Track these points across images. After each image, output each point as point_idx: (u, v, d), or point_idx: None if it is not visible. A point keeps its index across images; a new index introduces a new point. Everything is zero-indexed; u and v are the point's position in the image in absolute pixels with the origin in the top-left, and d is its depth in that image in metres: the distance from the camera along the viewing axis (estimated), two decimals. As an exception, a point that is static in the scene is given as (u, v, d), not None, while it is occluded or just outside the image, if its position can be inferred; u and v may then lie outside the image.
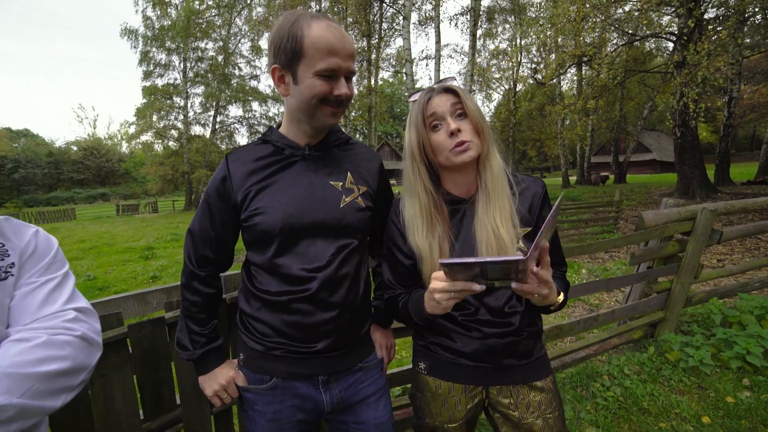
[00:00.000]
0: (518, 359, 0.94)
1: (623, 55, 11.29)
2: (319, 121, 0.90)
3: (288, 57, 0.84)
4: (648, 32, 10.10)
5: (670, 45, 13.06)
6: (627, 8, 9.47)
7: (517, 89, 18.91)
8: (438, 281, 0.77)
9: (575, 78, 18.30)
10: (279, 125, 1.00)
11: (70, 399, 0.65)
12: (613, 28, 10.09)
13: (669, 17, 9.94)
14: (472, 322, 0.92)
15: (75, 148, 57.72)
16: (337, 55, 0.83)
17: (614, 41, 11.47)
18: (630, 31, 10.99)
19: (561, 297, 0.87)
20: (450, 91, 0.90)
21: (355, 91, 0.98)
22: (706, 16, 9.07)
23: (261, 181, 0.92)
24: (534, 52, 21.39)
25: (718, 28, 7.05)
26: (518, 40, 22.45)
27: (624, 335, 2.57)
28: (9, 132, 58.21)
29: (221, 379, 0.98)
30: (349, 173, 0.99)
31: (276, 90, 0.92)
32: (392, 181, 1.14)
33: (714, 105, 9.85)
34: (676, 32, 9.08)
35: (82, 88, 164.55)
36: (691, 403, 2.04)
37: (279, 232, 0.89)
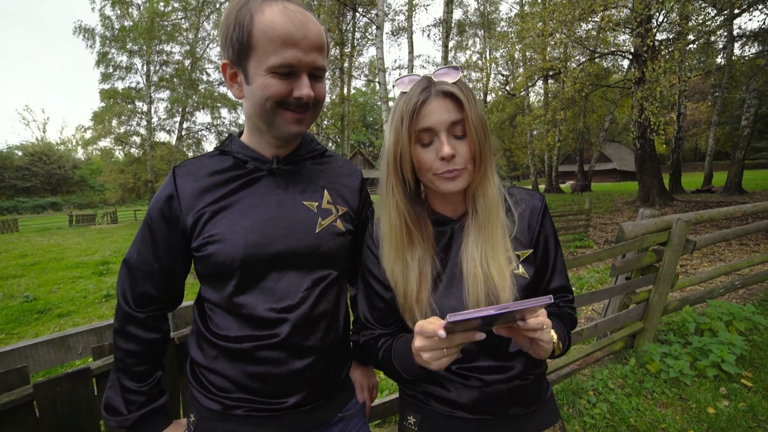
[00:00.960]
0: (525, 407, 0.80)
1: (587, 69, 11.95)
2: (279, 129, 0.73)
3: (235, 50, 0.67)
4: (606, 50, 10.77)
5: (626, 62, 14.02)
6: (589, 26, 10.06)
7: (488, 100, 19.53)
8: (422, 338, 0.59)
9: (542, 90, 19.20)
10: (240, 133, 0.83)
11: None
12: (576, 44, 10.68)
13: (625, 36, 10.66)
14: (470, 371, 0.77)
15: (20, 153, 53.08)
16: (295, 45, 0.65)
17: (577, 57, 12.15)
18: (590, 48, 11.70)
19: (557, 340, 0.73)
20: (452, 96, 0.69)
21: (327, 95, 0.82)
22: (658, 37, 9.79)
23: (217, 200, 0.74)
24: (503, 65, 22.30)
25: (670, 49, 7.61)
26: (488, 53, 23.32)
27: (606, 348, 2.54)
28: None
29: None
30: (326, 191, 0.82)
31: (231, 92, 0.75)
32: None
33: (666, 119, 10.59)
34: (632, 51, 9.71)
35: (32, 88, 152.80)
36: (676, 416, 2.01)
37: (240, 265, 0.72)
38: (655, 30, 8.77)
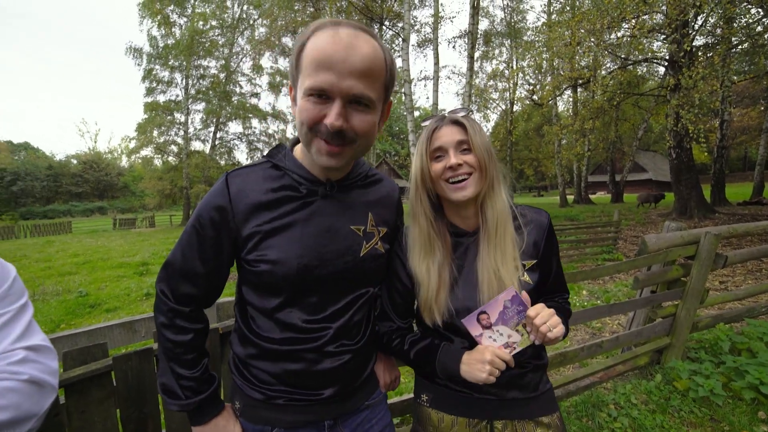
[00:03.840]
0: (523, 392, 0.90)
1: (618, 77, 11.59)
2: (314, 157, 0.74)
3: (291, 73, 0.74)
4: (640, 57, 10.42)
5: (662, 69, 13.46)
6: (620, 34, 9.81)
7: (514, 110, 19.30)
8: (490, 353, 0.79)
9: (571, 99, 18.72)
10: (294, 143, 0.86)
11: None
12: (606, 52, 10.42)
13: (660, 43, 10.29)
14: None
15: (75, 162, 57.94)
16: (330, 68, 0.64)
17: (608, 65, 11.83)
18: (623, 56, 11.36)
19: (562, 332, 0.83)
20: (459, 123, 0.87)
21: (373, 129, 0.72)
22: (695, 43, 9.39)
23: (272, 220, 0.77)
24: (530, 74, 21.97)
25: (709, 54, 7.25)
26: (515, 62, 23.09)
27: (629, 362, 2.50)
28: (10, 145, 58.57)
29: None
30: (370, 214, 0.88)
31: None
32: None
33: (707, 127, 9.94)
34: (667, 57, 9.36)
35: (86, 102, 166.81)
36: (703, 436, 1.96)
37: (290, 285, 0.78)
38: (692, 35, 8.44)
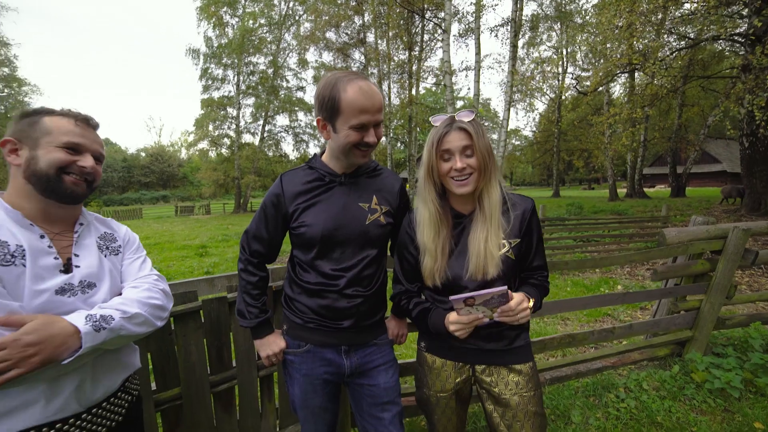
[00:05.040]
0: (500, 345, 1.14)
1: (680, 59, 10.52)
2: (351, 160, 1.16)
3: (329, 113, 1.09)
4: (709, 34, 9.40)
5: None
6: (685, 7, 8.84)
7: (563, 98, 18.25)
8: (452, 316, 1.07)
9: (627, 85, 17.24)
10: (322, 153, 1.26)
11: (161, 325, 0.99)
12: (669, 32, 9.52)
13: (731, 18, 9.17)
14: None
15: (143, 155, 64.49)
16: (367, 112, 1.06)
17: (671, 45, 10.77)
18: (691, 35, 10.27)
19: (532, 302, 1.05)
20: (465, 130, 1.06)
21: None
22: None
23: (307, 201, 1.18)
24: (580, 60, 20.53)
25: None
26: (564, 48, 21.69)
27: (646, 351, 2.57)
28: (94, 140, 66.90)
29: (274, 347, 1.25)
30: (374, 196, 1.23)
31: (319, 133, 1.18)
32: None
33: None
34: (743, 32, 8.38)
35: (152, 100, 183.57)
36: (712, 424, 2.02)
37: (319, 242, 1.16)
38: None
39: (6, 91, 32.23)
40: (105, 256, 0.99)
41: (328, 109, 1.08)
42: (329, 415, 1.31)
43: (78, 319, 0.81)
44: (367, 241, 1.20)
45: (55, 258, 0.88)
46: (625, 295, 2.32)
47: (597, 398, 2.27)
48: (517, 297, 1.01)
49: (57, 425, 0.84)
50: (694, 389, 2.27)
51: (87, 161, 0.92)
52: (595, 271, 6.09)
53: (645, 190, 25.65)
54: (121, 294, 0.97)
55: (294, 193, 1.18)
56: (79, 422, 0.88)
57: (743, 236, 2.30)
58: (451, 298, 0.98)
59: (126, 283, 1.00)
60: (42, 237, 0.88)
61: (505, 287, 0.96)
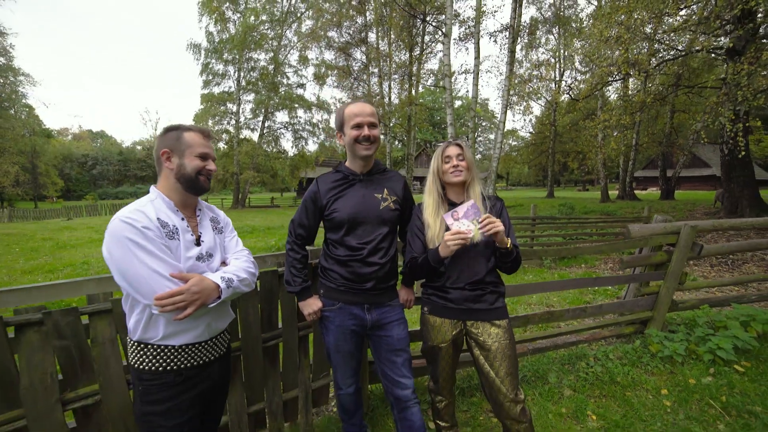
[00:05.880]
0: (484, 306, 1.57)
1: (668, 68, 11.03)
2: (358, 153, 1.59)
3: (339, 123, 1.62)
4: (696, 48, 9.89)
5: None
6: (679, 16, 9.29)
7: (560, 100, 18.77)
8: (452, 233, 1.44)
9: (621, 91, 17.77)
10: (345, 161, 1.72)
11: (252, 289, 1.39)
12: (658, 42, 10.00)
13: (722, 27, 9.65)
14: (458, 288, 1.58)
15: (139, 148, 64.16)
16: (360, 116, 1.55)
17: (661, 55, 11.26)
18: (680, 46, 10.76)
19: (509, 241, 1.49)
20: (458, 145, 1.60)
21: (381, 135, 1.60)
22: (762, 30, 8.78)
23: (336, 194, 1.63)
24: (577, 63, 21.06)
25: (759, 48, 6.82)
26: (562, 51, 22.20)
27: (614, 328, 3.03)
28: (90, 133, 66.33)
29: (314, 307, 1.69)
30: (385, 189, 1.67)
31: (336, 139, 1.68)
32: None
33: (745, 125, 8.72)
34: (722, 47, 8.89)
35: (148, 93, 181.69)
36: (658, 381, 2.49)
37: (346, 222, 1.59)
38: (756, 22, 7.92)
39: (1, 80, 32.06)
40: (215, 234, 1.40)
41: (338, 121, 1.62)
42: (355, 362, 1.75)
43: (217, 279, 1.23)
44: (382, 221, 1.62)
45: (191, 235, 1.29)
46: (596, 279, 2.78)
47: (571, 365, 2.72)
48: (486, 214, 1.46)
49: (197, 344, 1.27)
50: (649, 358, 2.74)
51: (211, 165, 1.33)
52: (581, 266, 6.58)
53: (636, 192, 26.32)
54: (225, 262, 1.39)
55: (326, 189, 1.64)
56: (207, 345, 1.31)
57: (691, 232, 2.76)
58: (443, 215, 1.51)
59: (229, 255, 1.41)
60: (183, 219, 1.29)
61: (472, 200, 1.49)
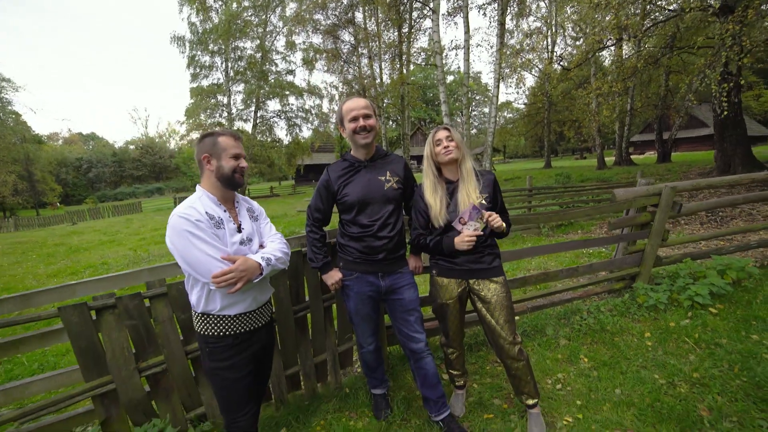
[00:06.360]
0: (483, 266, 1.84)
1: (661, 30, 10.93)
2: (358, 142, 1.83)
3: (339, 119, 1.89)
4: (691, 5, 9.80)
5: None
6: None
7: (551, 71, 18.57)
8: (466, 235, 1.71)
9: (615, 55, 17.54)
10: (350, 151, 1.95)
11: (287, 266, 1.67)
12: (650, 3, 9.89)
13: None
14: (463, 253, 1.84)
15: (132, 147, 63.56)
16: (354, 110, 1.80)
17: (655, 16, 11.14)
18: (672, 6, 10.63)
19: (503, 225, 1.75)
20: (447, 129, 1.83)
21: (377, 123, 1.83)
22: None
23: (345, 180, 1.88)
24: (569, 29, 20.68)
25: (744, 8, 6.79)
26: (554, 18, 21.74)
27: (605, 284, 3.33)
28: (81, 136, 65.53)
29: (335, 277, 1.97)
30: (387, 171, 1.91)
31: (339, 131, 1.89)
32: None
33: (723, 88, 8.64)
34: (713, 5, 8.84)
35: (135, 91, 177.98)
36: (643, 327, 2.80)
37: (356, 204, 1.85)
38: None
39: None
40: (252, 221, 1.66)
41: (338, 118, 1.89)
42: (373, 323, 2.05)
43: (258, 258, 1.49)
44: (387, 200, 1.88)
45: (233, 224, 1.55)
46: (585, 241, 3.05)
47: (566, 320, 3.04)
48: (488, 211, 1.74)
49: (247, 313, 1.55)
50: (636, 308, 3.05)
51: (243, 162, 1.57)
52: (577, 232, 6.87)
53: (634, 157, 26.35)
54: (262, 245, 1.65)
55: (336, 176, 1.89)
56: (255, 314, 1.59)
57: (671, 192, 3.01)
58: (453, 223, 1.74)
59: (265, 238, 1.67)
60: (225, 211, 1.54)
61: (471, 203, 1.70)
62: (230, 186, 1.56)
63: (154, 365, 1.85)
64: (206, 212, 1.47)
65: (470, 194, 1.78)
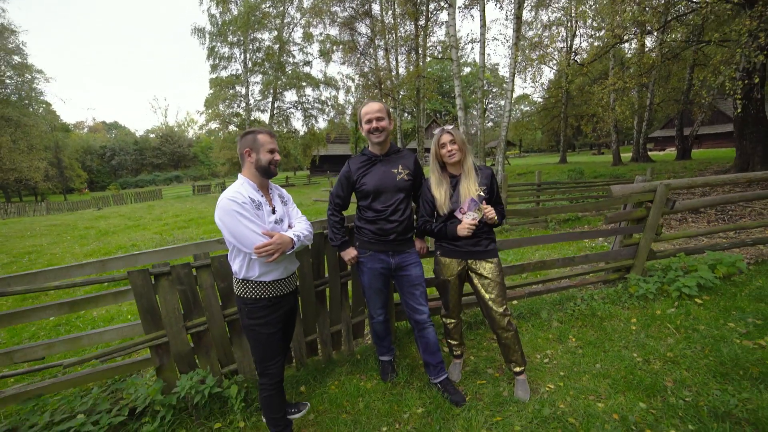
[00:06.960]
0: (480, 248, 2.13)
1: (686, 23, 10.66)
2: (372, 141, 2.14)
3: (358, 121, 2.17)
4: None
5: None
6: None
7: (566, 66, 18.25)
8: (466, 223, 2.01)
9: (636, 49, 17.08)
10: (368, 146, 2.26)
11: (311, 243, 2.01)
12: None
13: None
14: (463, 238, 2.12)
15: (153, 136, 65.38)
16: (369, 113, 2.10)
17: (678, 8, 10.88)
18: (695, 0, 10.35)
19: (497, 218, 2.03)
20: (450, 133, 2.09)
21: (389, 124, 2.18)
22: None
23: (363, 171, 2.18)
24: (590, 20, 20.17)
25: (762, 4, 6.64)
26: (573, 9, 21.23)
27: (600, 275, 3.55)
28: (105, 125, 67.80)
29: (352, 254, 2.29)
30: (399, 165, 2.20)
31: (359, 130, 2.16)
32: (428, 169, 2.34)
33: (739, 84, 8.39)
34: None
35: (156, 81, 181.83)
36: (630, 314, 3.04)
37: (372, 192, 2.16)
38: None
39: (16, 78, 33.00)
40: (282, 205, 1.98)
41: (358, 119, 2.19)
42: (383, 297, 2.36)
43: (291, 234, 1.82)
44: (399, 189, 2.17)
45: (269, 206, 1.88)
46: (582, 233, 3.28)
47: (561, 305, 3.29)
48: (485, 205, 2.04)
49: (279, 280, 1.89)
50: (627, 297, 3.28)
51: (277, 156, 1.88)
52: (584, 227, 7.01)
53: (653, 153, 25.68)
54: (290, 225, 1.97)
55: (356, 168, 2.20)
56: (285, 281, 1.92)
57: (665, 189, 3.19)
58: (455, 213, 2.04)
59: (293, 220, 2.00)
60: (262, 196, 1.87)
61: (470, 197, 1.99)
62: (266, 175, 1.88)
63: (198, 324, 2.22)
64: (249, 196, 1.80)
65: (470, 187, 2.06)
